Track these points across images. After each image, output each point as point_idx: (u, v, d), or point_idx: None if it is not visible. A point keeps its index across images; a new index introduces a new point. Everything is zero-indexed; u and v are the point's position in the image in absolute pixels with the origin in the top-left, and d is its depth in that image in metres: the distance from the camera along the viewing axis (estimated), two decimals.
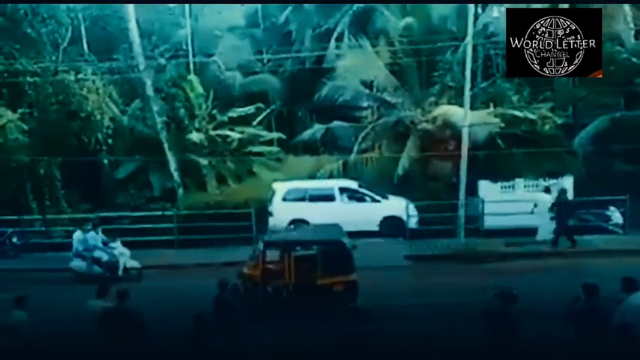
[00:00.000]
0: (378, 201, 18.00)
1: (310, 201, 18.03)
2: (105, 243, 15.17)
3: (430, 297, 12.61)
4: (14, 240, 17.62)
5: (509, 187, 17.83)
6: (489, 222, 17.28)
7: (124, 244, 15.45)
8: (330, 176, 19.83)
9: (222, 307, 8.64)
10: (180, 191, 20.40)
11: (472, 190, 17.72)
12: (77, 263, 14.92)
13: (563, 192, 16.29)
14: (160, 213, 18.27)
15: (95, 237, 15.14)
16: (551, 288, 11.76)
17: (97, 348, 8.19)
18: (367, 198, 18.13)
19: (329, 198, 18.04)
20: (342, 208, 17.78)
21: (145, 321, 8.36)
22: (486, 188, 17.84)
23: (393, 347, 9.33)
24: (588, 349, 7.63)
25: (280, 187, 18.42)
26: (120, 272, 14.66)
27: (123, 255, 14.92)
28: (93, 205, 19.35)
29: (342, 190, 18.20)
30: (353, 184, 18.54)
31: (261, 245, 11.45)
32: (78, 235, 15.15)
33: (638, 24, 20.56)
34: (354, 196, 18.17)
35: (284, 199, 18.01)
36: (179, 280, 14.77)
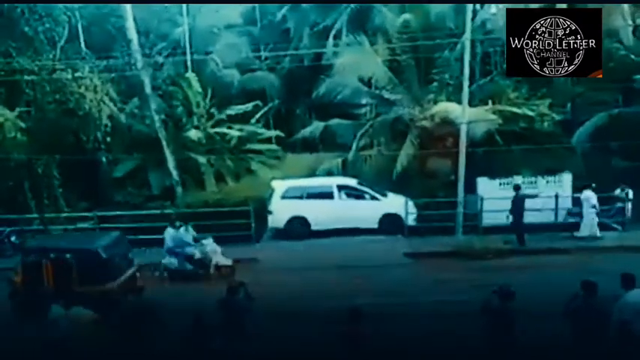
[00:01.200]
0: (377, 198, 17.99)
1: (309, 199, 18.01)
2: (196, 240, 15.04)
3: (429, 294, 12.65)
4: (12, 239, 17.57)
5: (507, 184, 17.80)
6: (488, 219, 17.27)
7: None
8: (329, 174, 19.82)
9: (228, 309, 8.61)
10: (179, 189, 20.37)
11: (471, 188, 17.70)
12: (169, 260, 14.77)
13: (518, 188, 16.39)
14: (158, 211, 18.20)
15: (186, 234, 14.98)
16: (550, 285, 11.79)
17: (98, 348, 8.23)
18: (366, 195, 18.10)
19: (328, 195, 18.02)
20: (341, 205, 17.78)
21: (159, 314, 8.39)
22: (485, 185, 17.82)
23: (393, 345, 9.37)
24: (586, 346, 7.65)
25: (279, 185, 18.42)
26: (212, 269, 14.54)
27: (214, 252, 14.77)
28: (91, 203, 19.31)
29: (341, 187, 18.17)
30: (352, 182, 18.52)
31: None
32: (169, 231, 14.93)
33: (636, 21, 20.55)
34: (352, 193, 18.14)
35: (283, 197, 18.00)
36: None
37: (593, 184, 16.74)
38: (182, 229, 15.01)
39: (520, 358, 7.98)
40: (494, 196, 17.20)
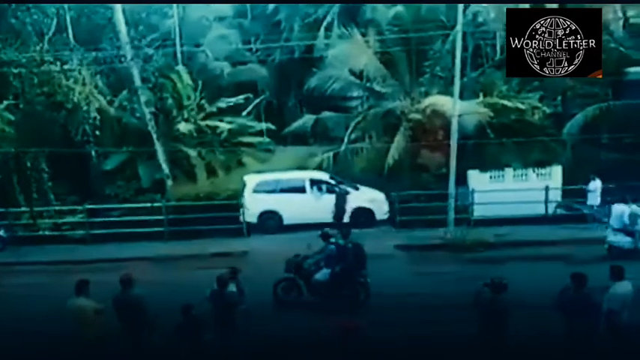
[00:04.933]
0: (349, 192, 17.91)
1: (281, 193, 17.93)
2: None
3: (420, 286, 12.69)
4: (1, 233, 17.43)
5: (498, 176, 17.88)
6: (479, 211, 17.33)
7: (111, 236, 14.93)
8: (320, 167, 19.73)
9: (219, 302, 8.60)
10: (169, 182, 20.26)
11: (462, 180, 17.75)
12: (619, 238, 13.81)
13: (341, 184, 17.36)
14: (149, 205, 18.12)
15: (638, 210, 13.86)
16: (541, 276, 11.85)
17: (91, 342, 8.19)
18: (338, 189, 17.94)
19: (300, 190, 17.93)
20: (313, 199, 17.68)
21: (148, 308, 8.33)
22: (476, 178, 17.88)
23: (384, 336, 9.39)
24: (577, 337, 7.71)
25: (251, 179, 18.33)
26: None
27: None
28: (81, 197, 19.14)
29: (313, 181, 18.08)
30: (324, 176, 18.42)
31: None
32: (622, 208, 13.98)
33: (626, 14, 20.64)
34: (324, 187, 17.96)
35: (254, 191, 17.89)
36: (169, 272, 14.69)
37: None
38: (633, 205, 13.73)
39: (511, 349, 8.02)
40: (485, 188, 17.28)
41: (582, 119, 18.73)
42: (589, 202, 16.97)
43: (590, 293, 7.67)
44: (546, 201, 17.27)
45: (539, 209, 17.26)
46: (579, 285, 7.68)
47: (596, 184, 16.83)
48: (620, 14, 20.25)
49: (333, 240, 11.43)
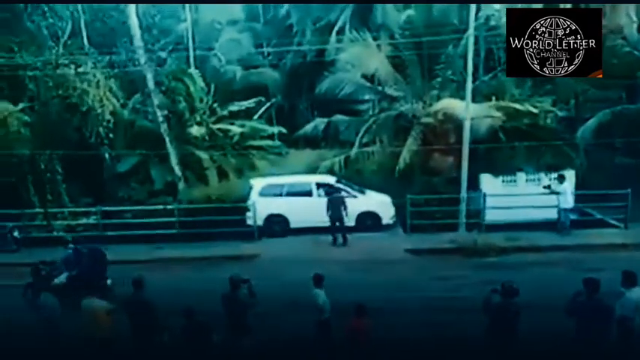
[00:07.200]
0: (355, 196, 17.84)
1: (287, 196, 17.96)
2: None
3: (431, 291, 12.65)
4: (15, 234, 17.62)
5: (510, 180, 17.77)
6: (491, 216, 17.23)
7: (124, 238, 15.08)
8: (331, 171, 19.74)
9: (231, 304, 8.66)
10: (181, 185, 20.40)
11: (474, 184, 17.67)
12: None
13: (337, 190, 17.24)
14: (161, 207, 18.24)
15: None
16: (553, 282, 11.78)
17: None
18: (344, 193, 17.77)
19: (306, 193, 17.92)
20: (319, 203, 17.50)
21: (157, 311, 8.41)
22: (488, 182, 17.78)
23: (394, 340, 9.39)
24: (589, 343, 7.64)
25: (257, 183, 18.38)
26: None
27: None
28: (94, 199, 19.36)
29: (319, 185, 18.05)
30: (330, 180, 18.38)
31: None
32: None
33: None
34: (330, 191, 17.82)
35: (261, 195, 17.91)
36: (181, 274, 14.79)
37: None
38: None
39: (521, 355, 7.98)
40: (497, 192, 17.17)
41: (595, 123, 18.53)
42: (561, 206, 16.65)
43: (602, 299, 7.61)
44: (559, 206, 17.10)
45: (552, 214, 17.11)
46: (592, 290, 7.62)
47: (565, 186, 16.62)
48: (634, 18, 20.06)
49: (71, 246, 12.62)
